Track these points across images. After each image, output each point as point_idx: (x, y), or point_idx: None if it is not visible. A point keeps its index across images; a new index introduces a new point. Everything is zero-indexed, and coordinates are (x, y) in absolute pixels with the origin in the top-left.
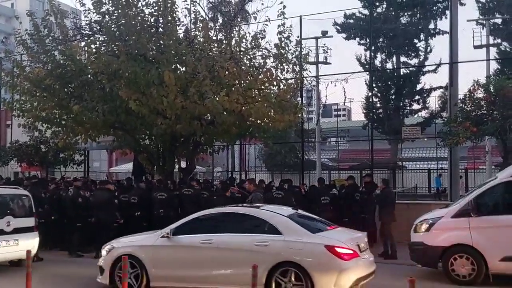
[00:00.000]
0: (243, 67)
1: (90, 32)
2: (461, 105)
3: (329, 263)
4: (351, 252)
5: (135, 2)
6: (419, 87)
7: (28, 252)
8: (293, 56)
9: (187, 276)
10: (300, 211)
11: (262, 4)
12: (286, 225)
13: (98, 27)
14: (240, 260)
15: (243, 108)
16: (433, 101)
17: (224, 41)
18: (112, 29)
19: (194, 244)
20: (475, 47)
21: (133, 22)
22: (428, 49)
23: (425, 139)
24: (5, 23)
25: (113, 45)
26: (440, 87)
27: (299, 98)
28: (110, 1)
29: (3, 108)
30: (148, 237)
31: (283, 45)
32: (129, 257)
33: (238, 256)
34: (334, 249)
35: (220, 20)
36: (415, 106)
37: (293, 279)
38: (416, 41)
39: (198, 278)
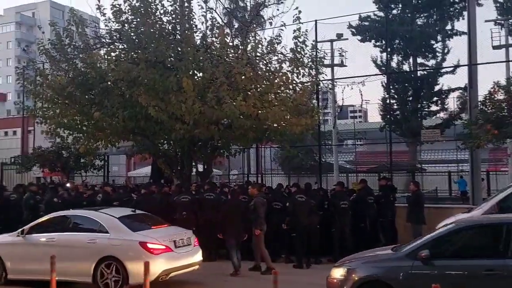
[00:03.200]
0: (259, 72)
1: (110, 41)
2: (481, 107)
3: (140, 256)
4: (162, 247)
5: (153, 11)
6: (437, 88)
7: None
8: (309, 60)
9: (36, 269)
10: (137, 212)
11: (278, 9)
12: (113, 225)
13: (118, 35)
14: (75, 255)
15: (260, 112)
16: (452, 103)
17: (240, 47)
18: (132, 37)
19: (40, 242)
20: (494, 47)
21: (152, 30)
22: (446, 50)
23: (444, 141)
24: (27, 31)
25: (132, 53)
26: (459, 88)
27: (315, 101)
28: (129, 10)
29: (26, 115)
30: (8, 235)
31: (298, 50)
32: None
33: (74, 252)
34: (146, 245)
35: (236, 25)
36: (433, 108)
37: (114, 271)
38: (433, 42)
39: (45, 271)
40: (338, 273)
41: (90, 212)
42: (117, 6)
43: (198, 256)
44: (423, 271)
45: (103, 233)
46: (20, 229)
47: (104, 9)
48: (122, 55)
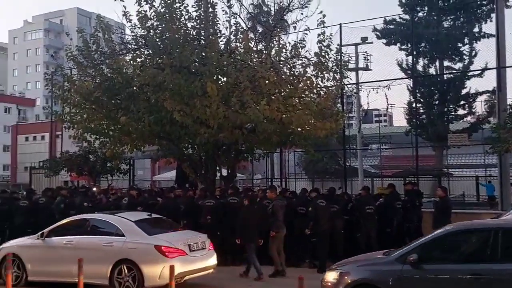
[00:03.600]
0: (283, 76)
1: (136, 46)
2: (510, 110)
3: (156, 260)
4: (177, 251)
5: (178, 17)
6: (464, 91)
7: None
8: (334, 64)
9: (55, 271)
10: (153, 216)
11: (302, 14)
12: (129, 229)
13: (144, 41)
14: (93, 258)
15: (284, 116)
16: (480, 106)
17: (264, 51)
18: (157, 43)
19: (60, 245)
20: None
21: (177, 36)
22: (473, 53)
23: (471, 145)
24: (55, 38)
25: (158, 58)
26: (487, 92)
27: (339, 105)
28: (155, 16)
29: (54, 120)
30: (28, 238)
31: (323, 54)
32: (13, 255)
33: (91, 254)
34: (161, 248)
35: (260, 30)
36: (460, 111)
37: (126, 271)
38: (460, 45)
39: (63, 273)
40: (331, 276)
41: (107, 216)
42: (143, 12)
43: (213, 260)
44: (412, 275)
45: (119, 236)
46: (40, 232)
47: (130, 15)
48: (147, 60)
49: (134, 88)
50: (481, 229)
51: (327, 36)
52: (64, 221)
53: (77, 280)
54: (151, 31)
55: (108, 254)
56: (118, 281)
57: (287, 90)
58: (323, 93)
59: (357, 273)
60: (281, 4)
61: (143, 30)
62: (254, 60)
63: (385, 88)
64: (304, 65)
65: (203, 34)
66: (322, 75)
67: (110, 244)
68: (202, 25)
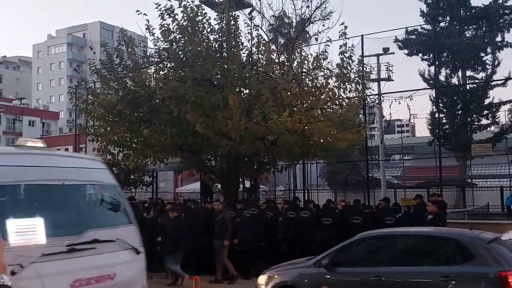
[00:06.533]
0: (305, 88)
1: (158, 59)
2: None
3: None
4: None
5: (200, 29)
6: (487, 101)
7: None
8: (356, 75)
9: None
10: None
11: (323, 25)
12: None
13: (166, 54)
14: None
15: (306, 127)
16: (503, 116)
17: (286, 63)
18: (179, 55)
19: None
20: None
21: (199, 49)
22: (496, 62)
23: (495, 155)
24: (78, 52)
25: (180, 71)
26: (510, 101)
27: (361, 116)
28: (177, 30)
29: (78, 133)
30: None
31: (345, 65)
32: None
33: None
34: None
35: (282, 41)
36: (484, 121)
37: None
38: (482, 54)
39: None
40: (262, 280)
41: None
42: (166, 25)
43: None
44: (325, 277)
45: None
46: None
47: (153, 29)
48: (170, 73)
49: (157, 101)
50: (382, 236)
51: (349, 47)
52: None
53: None
54: (174, 44)
55: None
56: None
57: (309, 101)
58: (345, 104)
59: (282, 276)
60: (302, 16)
61: (165, 43)
62: (276, 72)
63: (407, 99)
64: (326, 76)
65: (225, 46)
66: (344, 86)
67: None
68: (224, 38)
